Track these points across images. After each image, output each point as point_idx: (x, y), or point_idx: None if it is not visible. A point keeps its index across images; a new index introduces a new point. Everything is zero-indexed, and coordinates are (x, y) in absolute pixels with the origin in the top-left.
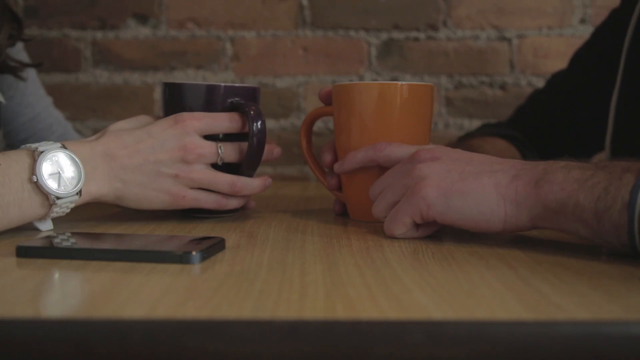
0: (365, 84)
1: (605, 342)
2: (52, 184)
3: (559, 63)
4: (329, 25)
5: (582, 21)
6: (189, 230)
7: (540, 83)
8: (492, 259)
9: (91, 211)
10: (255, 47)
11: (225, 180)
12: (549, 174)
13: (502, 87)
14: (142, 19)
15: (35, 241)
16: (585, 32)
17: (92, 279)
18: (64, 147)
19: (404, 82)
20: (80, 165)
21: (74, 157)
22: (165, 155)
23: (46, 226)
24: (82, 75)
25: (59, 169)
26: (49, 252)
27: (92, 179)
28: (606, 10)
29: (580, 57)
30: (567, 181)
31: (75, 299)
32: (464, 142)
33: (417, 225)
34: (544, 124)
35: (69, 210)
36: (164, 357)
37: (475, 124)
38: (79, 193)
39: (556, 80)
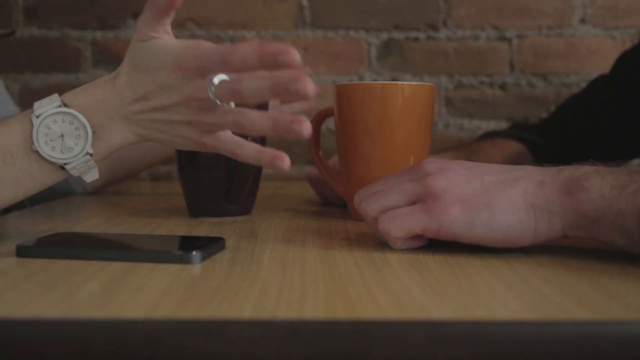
0: (367, 84)
1: (605, 342)
2: (52, 152)
3: (559, 63)
4: (329, 25)
5: (582, 21)
6: (189, 230)
7: (540, 83)
8: (492, 259)
9: (91, 211)
10: None
11: (228, 115)
12: (582, 180)
13: (502, 87)
14: None
15: (35, 241)
16: (585, 32)
17: (92, 279)
18: (64, 105)
19: (405, 83)
20: (86, 123)
21: (75, 114)
22: (171, 103)
23: (91, 177)
24: (82, 75)
25: (61, 132)
26: (49, 252)
27: (112, 131)
28: (606, 10)
29: (627, 60)
30: (604, 188)
31: (75, 299)
32: (473, 144)
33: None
34: (587, 127)
35: (94, 165)
36: (164, 357)
37: (475, 124)
38: (90, 152)
39: (599, 83)
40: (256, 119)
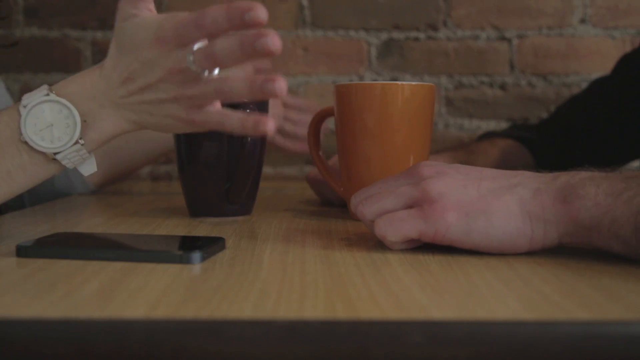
0: (367, 84)
1: (605, 342)
2: (42, 142)
3: (559, 63)
4: (329, 25)
5: (582, 21)
6: (189, 230)
7: (540, 83)
8: (492, 259)
9: (91, 211)
10: None
11: (210, 83)
12: (577, 188)
13: (502, 87)
14: None
15: (35, 241)
16: (585, 32)
17: (92, 279)
18: (51, 93)
19: (405, 83)
20: (75, 112)
21: (63, 102)
22: (155, 80)
23: (88, 169)
24: None
25: (50, 122)
26: (49, 252)
27: (103, 118)
28: (606, 10)
29: (628, 62)
30: (599, 195)
31: (75, 299)
32: (472, 145)
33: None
34: (587, 129)
35: (89, 155)
36: (164, 357)
37: (475, 124)
38: (80, 141)
39: (599, 84)
40: (234, 83)
